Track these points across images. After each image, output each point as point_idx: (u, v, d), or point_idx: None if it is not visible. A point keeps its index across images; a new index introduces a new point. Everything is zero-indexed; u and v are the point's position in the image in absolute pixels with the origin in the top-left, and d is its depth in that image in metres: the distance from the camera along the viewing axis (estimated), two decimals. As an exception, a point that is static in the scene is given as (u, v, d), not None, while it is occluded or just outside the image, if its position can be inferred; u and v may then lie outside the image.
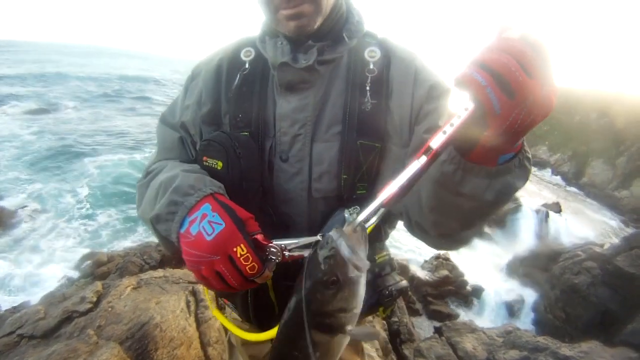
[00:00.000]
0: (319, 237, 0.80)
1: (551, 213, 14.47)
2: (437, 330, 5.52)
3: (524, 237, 13.13)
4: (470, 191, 0.75)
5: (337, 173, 1.04)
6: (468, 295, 10.05)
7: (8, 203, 11.12)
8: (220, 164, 0.99)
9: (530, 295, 9.97)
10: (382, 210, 0.72)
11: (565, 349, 4.35)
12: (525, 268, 10.74)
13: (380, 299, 1.09)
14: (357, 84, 1.05)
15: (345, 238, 0.71)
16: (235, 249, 0.80)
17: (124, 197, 13.09)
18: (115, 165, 16.05)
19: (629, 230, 14.60)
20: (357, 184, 1.04)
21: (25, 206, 11.19)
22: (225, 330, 3.33)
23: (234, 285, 0.82)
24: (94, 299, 3.26)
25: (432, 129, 0.96)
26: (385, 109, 1.04)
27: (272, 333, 1.03)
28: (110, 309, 3.07)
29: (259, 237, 0.85)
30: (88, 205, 12.21)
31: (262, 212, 0.98)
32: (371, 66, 1.06)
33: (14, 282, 8.08)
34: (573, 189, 22.50)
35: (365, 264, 0.71)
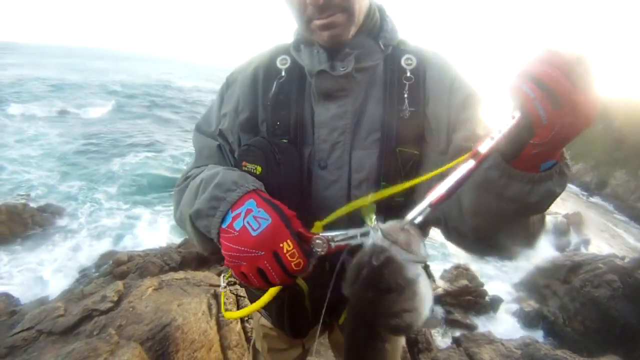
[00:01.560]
0: (368, 228, 0.77)
1: (572, 224, 14.21)
2: (455, 341, 5.43)
3: (545, 248, 12.90)
4: (514, 196, 0.77)
5: (376, 180, 1.05)
6: (487, 306, 9.88)
7: (35, 203, 11.31)
8: (259, 168, 0.99)
9: (549, 308, 9.79)
10: (428, 210, 0.74)
11: None
12: (545, 279, 10.51)
13: None
14: (395, 91, 1.05)
15: (393, 237, 0.70)
16: (281, 245, 0.80)
17: (148, 196, 13.29)
18: (140, 165, 16.33)
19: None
20: None
21: (52, 204, 11.34)
22: (248, 338, 3.36)
23: (274, 281, 0.82)
24: (115, 298, 3.28)
25: (470, 138, 0.99)
26: (422, 116, 1.05)
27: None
28: (131, 309, 3.10)
29: (303, 230, 0.85)
30: (111, 205, 12.35)
31: (300, 220, 0.98)
32: (408, 74, 1.06)
33: (34, 277, 8.20)
34: (595, 199, 22.04)
35: (422, 258, 0.71)
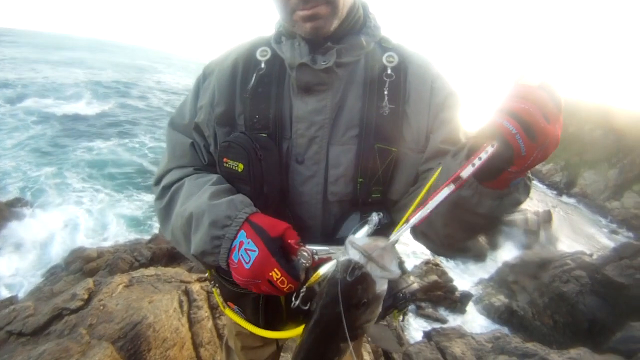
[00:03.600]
0: (347, 247, 0.79)
1: (541, 221, 14.53)
2: (426, 335, 5.51)
3: (514, 244, 13.19)
4: (484, 211, 0.81)
5: (353, 176, 1.05)
6: (457, 301, 10.05)
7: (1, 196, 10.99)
8: (241, 166, 1.00)
9: (518, 302, 10.00)
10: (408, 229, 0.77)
11: (554, 355, 4.36)
12: (514, 275, 10.75)
13: (395, 302, 1.12)
14: (375, 88, 1.05)
15: (368, 254, 0.72)
16: (270, 274, 0.87)
17: (117, 188, 13.17)
18: (109, 152, 16.16)
19: (620, 239, 14.71)
20: (373, 187, 1.05)
21: (18, 197, 11.07)
22: (219, 335, 3.34)
23: (284, 293, 0.91)
24: (85, 297, 3.20)
25: (448, 140, 1.03)
26: (402, 114, 1.05)
27: (285, 334, 1.11)
28: (102, 307, 3.02)
29: (292, 241, 0.91)
30: (78, 197, 12.18)
31: (280, 215, 0.98)
32: (389, 71, 1.06)
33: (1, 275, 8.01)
34: (565, 198, 22.69)
35: (395, 274, 0.74)
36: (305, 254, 0.88)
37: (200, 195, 1.02)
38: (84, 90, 30.06)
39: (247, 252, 0.89)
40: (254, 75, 1.08)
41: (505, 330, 8.54)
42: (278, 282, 0.88)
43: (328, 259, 0.85)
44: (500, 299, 10.30)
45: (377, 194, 1.06)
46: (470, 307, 10.16)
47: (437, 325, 7.36)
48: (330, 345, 0.79)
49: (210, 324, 3.42)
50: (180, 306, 3.37)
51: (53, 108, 23.23)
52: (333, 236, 1.06)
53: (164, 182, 1.16)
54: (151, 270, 3.96)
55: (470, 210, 0.82)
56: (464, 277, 11.47)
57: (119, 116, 23.91)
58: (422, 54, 1.12)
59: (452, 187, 0.73)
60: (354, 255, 0.73)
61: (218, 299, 1.31)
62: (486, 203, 0.80)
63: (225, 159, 1.02)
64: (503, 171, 0.73)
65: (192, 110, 1.17)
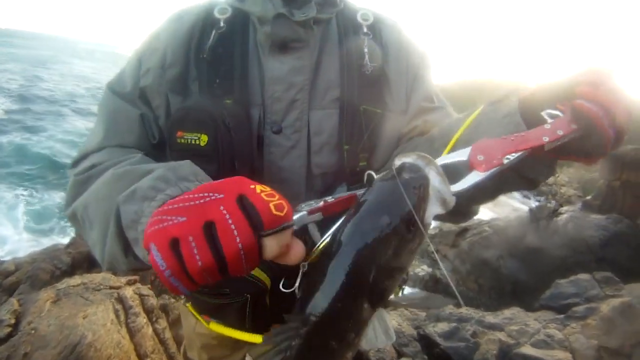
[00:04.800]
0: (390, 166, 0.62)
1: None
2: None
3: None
4: (533, 175, 0.77)
5: (338, 144, 0.94)
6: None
7: None
8: (204, 138, 0.82)
9: (442, 270, 10.53)
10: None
11: (489, 317, 4.59)
12: (433, 245, 11.21)
13: None
14: (353, 46, 0.97)
15: (431, 160, 0.60)
16: (252, 186, 0.54)
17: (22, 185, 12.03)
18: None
19: (531, 203, 15.85)
20: (360, 155, 0.94)
21: None
22: (161, 341, 3.24)
23: (231, 247, 0.48)
24: (13, 321, 2.90)
25: (428, 98, 1.01)
26: (383, 73, 0.99)
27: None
28: (33, 332, 2.77)
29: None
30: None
31: None
32: (365, 29, 0.99)
33: None
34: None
35: (452, 197, 0.61)
36: (310, 201, 0.63)
37: (144, 162, 0.81)
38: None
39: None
40: (213, 33, 0.93)
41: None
42: (264, 194, 0.52)
43: (351, 202, 0.62)
44: (424, 269, 10.75)
45: (364, 161, 0.94)
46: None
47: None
48: (350, 303, 0.55)
49: (150, 330, 3.29)
50: (117, 316, 3.19)
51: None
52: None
53: (90, 161, 0.88)
54: (77, 279, 3.69)
55: (519, 172, 0.75)
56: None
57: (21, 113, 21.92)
58: (390, 15, 1.07)
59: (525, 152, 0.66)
60: (411, 159, 0.59)
61: (195, 314, 1.17)
62: (538, 168, 0.76)
63: (179, 132, 0.83)
64: (574, 154, 0.71)
65: (134, 77, 0.97)
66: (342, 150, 0.92)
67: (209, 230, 0.48)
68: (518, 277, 8.85)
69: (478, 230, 10.30)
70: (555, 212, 10.27)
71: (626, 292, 4.75)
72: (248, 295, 0.96)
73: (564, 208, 10.94)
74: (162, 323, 3.45)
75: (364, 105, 0.93)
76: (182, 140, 0.83)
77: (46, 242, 9.13)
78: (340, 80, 0.95)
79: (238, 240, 0.48)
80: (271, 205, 0.50)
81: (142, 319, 3.32)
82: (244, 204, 0.51)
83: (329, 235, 0.59)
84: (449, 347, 4.01)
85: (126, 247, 0.68)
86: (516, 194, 19.91)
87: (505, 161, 0.64)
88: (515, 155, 0.65)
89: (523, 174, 0.76)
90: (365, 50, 0.95)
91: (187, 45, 0.95)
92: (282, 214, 0.51)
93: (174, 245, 0.48)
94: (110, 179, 0.75)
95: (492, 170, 0.64)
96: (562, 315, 4.62)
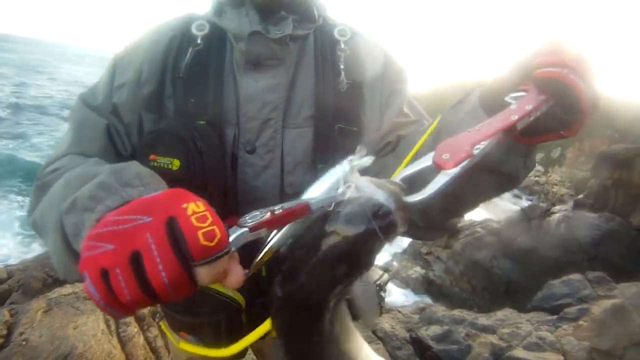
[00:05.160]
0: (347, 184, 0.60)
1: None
2: (353, 316, 5.66)
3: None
4: (508, 169, 0.74)
5: (311, 163, 0.93)
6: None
7: None
8: (177, 162, 0.81)
9: (434, 272, 10.55)
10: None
11: (482, 319, 4.62)
12: (426, 247, 11.18)
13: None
14: (329, 63, 0.96)
15: (401, 199, 0.56)
16: (185, 205, 0.48)
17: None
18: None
19: (523, 203, 15.86)
20: None
21: None
22: (153, 349, 3.22)
23: (156, 278, 0.45)
24: (4, 332, 2.90)
25: (401, 112, 0.99)
26: (359, 90, 0.97)
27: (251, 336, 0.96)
28: (24, 343, 2.77)
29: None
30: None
31: (226, 219, 0.74)
32: (342, 45, 0.98)
33: None
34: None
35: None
36: (255, 213, 0.55)
37: (99, 163, 0.81)
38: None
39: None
40: (190, 51, 0.91)
41: (427, 299, 9.07)
42: (195, 217, 0.47)
43: (307, 211, 0.57)
44: (416, 271, 10.70)
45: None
46: (388, 283, 10.53)
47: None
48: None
49: (141, 339, 3.28)
50: (108, 326, 3.18)
51: None
52: None
53: (51, 167, 0.87)
54: (68, 289, 3.68)
55: (492, 168, 0.72)
56: (379, 254, 11.84)
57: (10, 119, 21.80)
58: (368, 31, 1.05)
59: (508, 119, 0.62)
60: (379, 196, 0.55)
61: (167, 332, 1.16)
62: (513, 160, 0.72)
63: (152, 156, 0.81)
64: (549, 133, 0.67)
65: (106, 90, 0.94)
66: (315, 170, 0.91)
67: (136, 260, 0.46)
68: (511, 278, 8.85)
69: (471, 231, 10.28)
70: (547, 212, 10.28)
71: (618, 292, 4.77)
72: (223, 315, 0.96)
73: (556, 207, 10.94)
74: (154, 331, 3.43)
75: (338, 124, 0.92)
76: (156, 164, 0.82)
77: (38, 249, 9.04)
78: (315, 98, 0.94)
79: (163, 274, 0.45)
80: (200, 233, 0.46)
81: (133, 328, 3.30)
82: (174, 229, 0.47)
83: (268, 244, 0.59)
84: (441, 350, 4.04)
85: (75, 257, 0.60)
86: (507, 195, 19.94)
87: (476, 152, 0.60)
88: (485, 143, 0.61)
89: (498, 169, 0.73)
90: (342, 67, 0.94)
91: (164, 62, 0.93)
92: (211, 244, 0.46)
93: (105, 275, 0.46)
94: (62, 184, 0.72)
95: (462, 165, 0.59)
96: (554, 317, 4.65)
